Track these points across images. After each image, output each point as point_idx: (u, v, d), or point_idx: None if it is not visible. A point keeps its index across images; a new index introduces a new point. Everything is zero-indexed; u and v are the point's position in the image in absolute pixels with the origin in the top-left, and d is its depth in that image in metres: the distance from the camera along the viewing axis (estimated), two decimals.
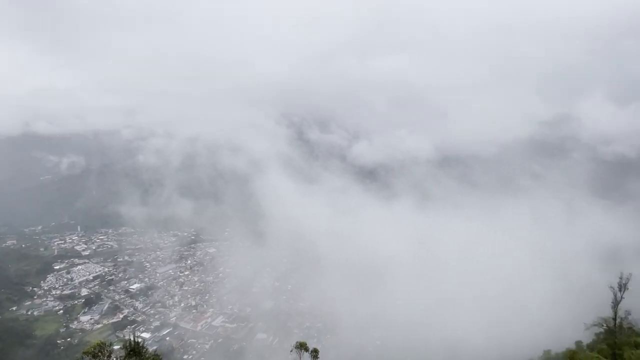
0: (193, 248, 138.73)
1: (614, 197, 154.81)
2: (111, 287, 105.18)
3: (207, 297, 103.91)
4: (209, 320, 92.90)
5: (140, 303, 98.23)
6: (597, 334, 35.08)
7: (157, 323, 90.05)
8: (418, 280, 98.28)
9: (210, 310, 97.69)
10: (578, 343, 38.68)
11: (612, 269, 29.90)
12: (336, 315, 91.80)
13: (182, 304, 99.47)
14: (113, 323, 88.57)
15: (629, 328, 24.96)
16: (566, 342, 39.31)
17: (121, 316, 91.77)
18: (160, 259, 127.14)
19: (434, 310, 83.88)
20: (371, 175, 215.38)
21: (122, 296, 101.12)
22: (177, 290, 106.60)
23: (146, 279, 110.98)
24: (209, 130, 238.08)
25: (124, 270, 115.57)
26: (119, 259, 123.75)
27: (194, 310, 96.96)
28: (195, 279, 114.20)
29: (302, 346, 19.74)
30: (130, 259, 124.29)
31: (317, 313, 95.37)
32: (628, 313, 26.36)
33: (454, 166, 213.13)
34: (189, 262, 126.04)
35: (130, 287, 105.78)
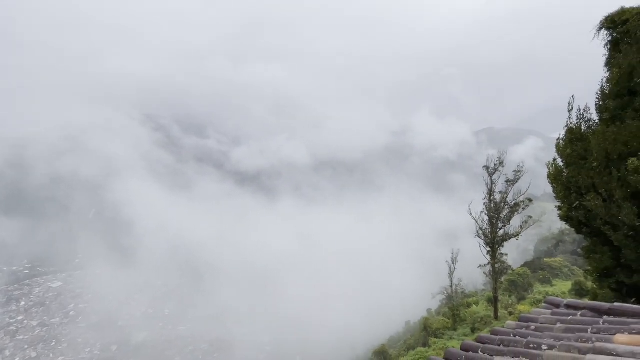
0: (28, 285, 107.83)
1: (444, 190, 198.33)
2: None
3: (53, 344, 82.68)
4: None
5: None
6: (441, 301, 44.03)
7: None
8: (306, 278, 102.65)
9: (60, 358, 78.36)
10: (429, 311, 47.52)
11: (448, 246, 38.13)
12: (224, 330, 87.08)
13: (17, 359, 76.60)
14: None
15: (462, 292, 32.47)
16: (422, 311, 47.70)
17: None
18: None
19: (322, 304, 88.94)
20: (253, 180, 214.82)
21: None
22: (7, 342, 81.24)
23: None
24: (40, 130, 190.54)
25: None
26: None
27: None
28: (34, 323, 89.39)
29: None
30: None
31: (202, 333, 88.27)
32: (460, 280, 34.17)
33: (327, 170, 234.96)
34: (23, 303, 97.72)
35: None
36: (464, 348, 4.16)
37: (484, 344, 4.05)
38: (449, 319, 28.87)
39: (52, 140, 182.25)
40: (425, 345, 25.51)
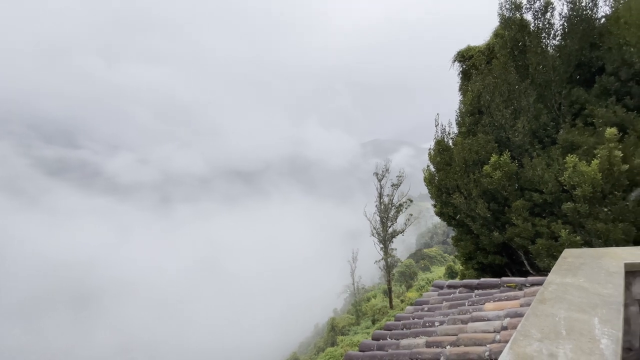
0: None
1: (342, 195, 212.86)
2: None
3: None
4: None
5: None
6: (345, 299, 46.91)
7: None
8: (210, 296, 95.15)
9: None
10: (335, 310, 50.08)
11: (350, 246, 41.00)
12: None
13: None
14: None
15: (362, 288, 35.34)
16: (329, 312, 49.72)
17: None
18: None
19: (230, 321, 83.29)
20: (139, 193, 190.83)
21: None
22: None
23: None
24: None
25: None
26: None
27: None
28: None
29: None
30: None
31: None
32: (360, 277, 37.17)
33: (227, 180, 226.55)
34: None
35: None
36: (375, 337, 4.64)
37: (390, 330, 4.59)
38: (352, 315, 30.97)
39: None
40: (333, 344, 26.72)
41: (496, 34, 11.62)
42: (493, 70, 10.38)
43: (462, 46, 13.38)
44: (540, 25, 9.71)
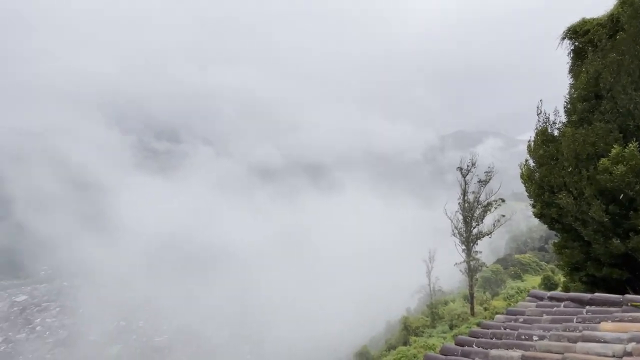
0: None
1: (415, 189, 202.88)
2: None
3: None
4: None
5: None
6: (419, 299, 44.95)
7: None
8: (289, 280, 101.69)
9: None
10: (408, 309, 48.38)
11: (424, 245, 38.90)
12: (203, 340, 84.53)
13: None
14: None
15: (439, 290, 33.34)
16: (401, 310, 48.30)
17: None
18: None
19: (305, 308, 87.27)
20: (227, 179, 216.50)
21: None
22: None
23: None
24: None
25: None
26: None
27: None
28: None
29: None
30: None
31: (178, 343, 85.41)
32: (437, 278, 35.05)
33: (306, 171, 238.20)
34: None
35: None
36: (459, 343, 4.30)
37: (477, 338, 4.20)
38: (427, 316, 29.52)
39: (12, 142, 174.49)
40: (406, 344, 25.92)
41: (623, 1, 9.50)
42: (618, 46, 8.55)
43: (572, 21, 11.29)
44: None
